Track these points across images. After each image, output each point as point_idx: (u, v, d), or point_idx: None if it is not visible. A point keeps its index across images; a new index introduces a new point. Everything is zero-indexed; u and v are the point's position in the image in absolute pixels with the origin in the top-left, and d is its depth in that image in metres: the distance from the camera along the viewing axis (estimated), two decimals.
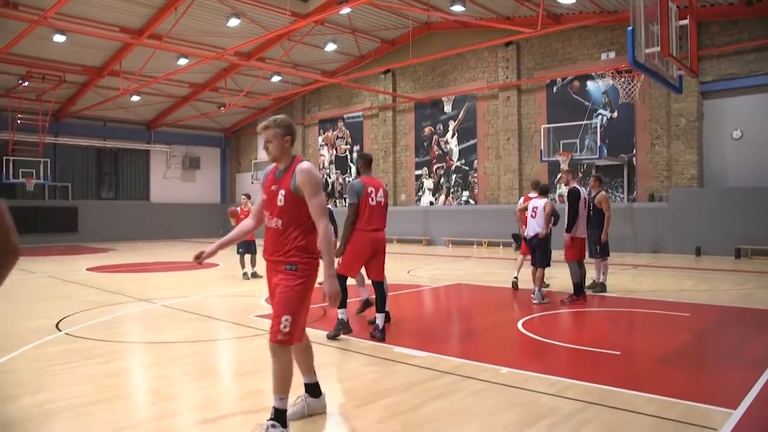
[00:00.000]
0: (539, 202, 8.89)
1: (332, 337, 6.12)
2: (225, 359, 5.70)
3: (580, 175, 18.99)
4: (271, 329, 3.46)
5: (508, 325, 6.95)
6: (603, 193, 9.66)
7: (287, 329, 3.42)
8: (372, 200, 6.18)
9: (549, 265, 8.91)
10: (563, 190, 19.78)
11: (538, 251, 8.86)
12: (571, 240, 8.60)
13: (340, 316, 6.19)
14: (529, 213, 9.04)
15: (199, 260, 3.82)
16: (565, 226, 8.65)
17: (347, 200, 6.23)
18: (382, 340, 6.03)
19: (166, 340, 6.29)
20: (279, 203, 3.55)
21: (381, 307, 6.26)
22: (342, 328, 6.16)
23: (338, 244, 6.29)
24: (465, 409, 3.96)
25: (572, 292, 8.58)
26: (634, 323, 7.47)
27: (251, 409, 4.02)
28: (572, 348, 5.82)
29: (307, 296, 3.56)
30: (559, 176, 19.83)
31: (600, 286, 9.55)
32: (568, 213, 8.60)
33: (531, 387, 4.41)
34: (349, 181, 22.89)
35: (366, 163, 6.50)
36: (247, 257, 12.04)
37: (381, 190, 6.33)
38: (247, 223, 3.92)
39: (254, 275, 11.95)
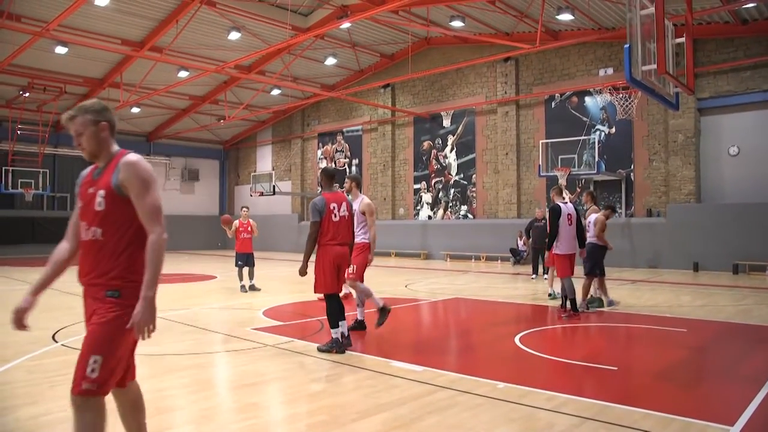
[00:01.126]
0: (591, 217, 9.46)
1: (322, 350, 6.16)
2: (222, 372, 5.69)
3: (578, 189, 19.07)
4: (74, 375, 2.61)
5: (505, 340, 6.95)
6: (594, 207, 9.82)
7: (95, 374, 2.57)
8: (335, 216, 6.19)
9: (596, 275, 9.35)
10: None
11: (589, 261, 9.23)
12: (559, 256, 8.76)
13: (333, 336, 6.17)
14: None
15: (20, 323, 2.88)
16: (547, 242, 8.94)
17: (310, 218, 6.25)
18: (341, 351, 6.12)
19: (163, 352, 6.27)
20: (98, 207, 2.73)
21: (341, 316, 6.26)
22: (335, 347, 6.13)
23: (301, 263, 6.26)
24: (462, 424, 3.96)
25: (568, 307, 8.66)
26: (631, 338, 7.47)
27: (248, 423, 4.02)
28: (569, 363, 5.82)
29: (127, 331, 2.67)
30: None
31: (597, 301, 9.55)
32: (549, 230, 8.83)
33: (528, 402, 4.41)
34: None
35: (328, 178, 6.52)
36: (245, 270, 12.03)
37: (344, 204, 6.31)
38: (61, 248, 2.93)
39: (252, 288, 11.93)
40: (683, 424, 3.92)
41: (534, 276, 14.45)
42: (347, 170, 27.25)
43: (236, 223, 12.03)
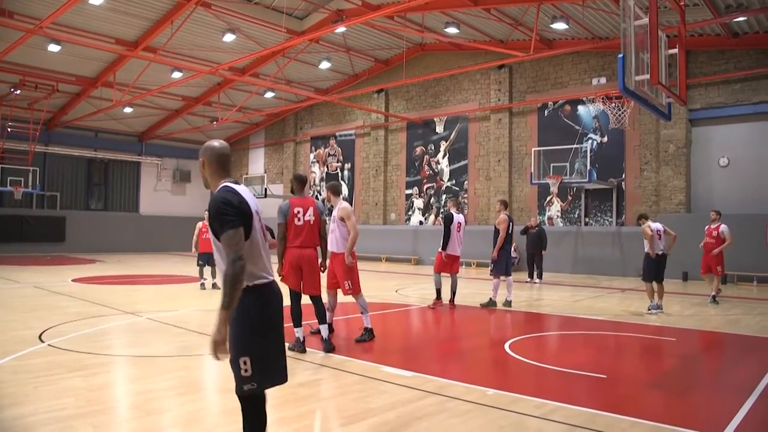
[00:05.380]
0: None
1: (290, 349, 6.28)
2: (210, 374, 5.65)
3: (570, 197, 19.14)
4: None
5: (495, 347, 6.95)
6: (502, 215, 10.48)
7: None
8: (299, 220, 6.39)
9: (650, 280, 10.00)
10: (552, 212, 19.96)
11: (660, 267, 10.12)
12: (446, 255, 10.15)
13: (295, 335, 6.40)
14: (655, 235, 10.08)
15: None
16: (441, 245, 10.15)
17: (277, 221, 6.50)
18: (328, 351, 6.33)
19: (151, 353, 6.23)
20: None
21: (321, 319, 6.53)
22: (295, 346, 6.33)
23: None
24: (450, 430, 3.95)
25: (435, 297, 10.33)
26: (620, 347, 7.49)
27: (235, 426, 3.98)
28: (559, 371, 5.82)
29: None
30: (549, 198, 20.05)
31: (490, 302, 10.39)
32: (443, 234, 10.09)
33: (517, 409, 4.41)
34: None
35: (298, 183, 6.65)
36: (207, 269, 12.65)
37: (311, 209, 6.47)
38: None
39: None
40: None
41: (529, 279, 15.04)
42: (339, 174, 27.24)
43: (200, 224, 12.60)
